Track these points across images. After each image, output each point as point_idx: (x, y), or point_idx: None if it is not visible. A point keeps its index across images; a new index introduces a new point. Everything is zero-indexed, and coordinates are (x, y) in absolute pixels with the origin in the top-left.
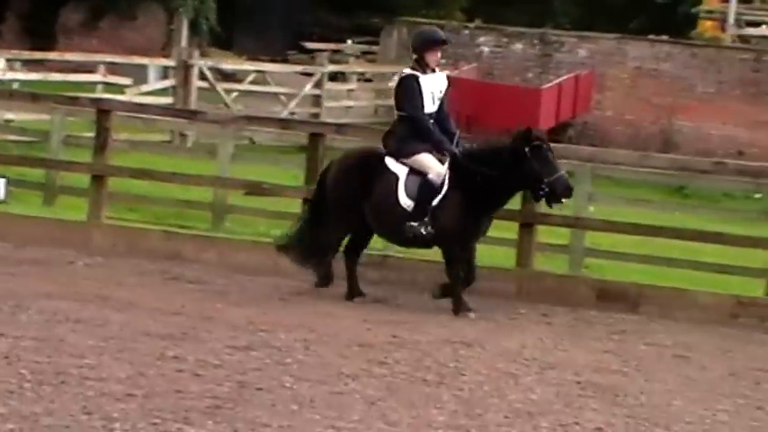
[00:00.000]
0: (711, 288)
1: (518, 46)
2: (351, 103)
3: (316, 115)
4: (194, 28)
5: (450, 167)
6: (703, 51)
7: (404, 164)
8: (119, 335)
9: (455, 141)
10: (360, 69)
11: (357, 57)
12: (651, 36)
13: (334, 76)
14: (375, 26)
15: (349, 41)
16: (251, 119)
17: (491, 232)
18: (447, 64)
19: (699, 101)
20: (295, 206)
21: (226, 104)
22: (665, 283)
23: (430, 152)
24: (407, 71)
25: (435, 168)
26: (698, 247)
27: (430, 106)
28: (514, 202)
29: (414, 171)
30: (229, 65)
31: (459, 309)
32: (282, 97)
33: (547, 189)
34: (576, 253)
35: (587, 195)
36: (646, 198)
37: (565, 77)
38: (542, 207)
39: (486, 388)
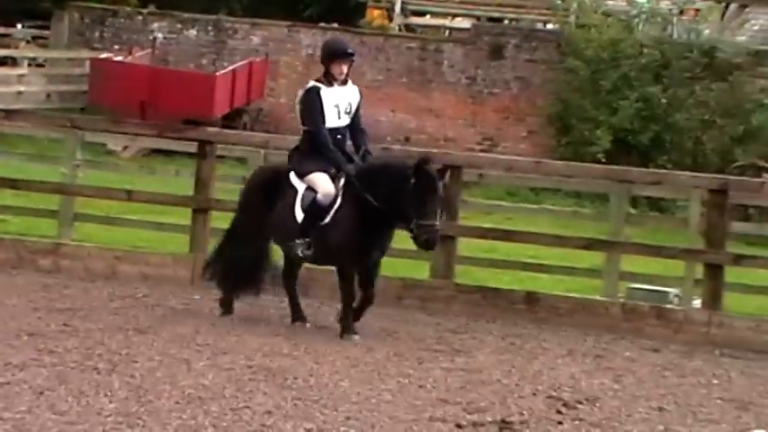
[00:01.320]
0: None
1: (192, 32)
2: (21, 88)
3: None
4: None
5: (345, 184)
6: (372, 39)
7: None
8: None
9: (361, 156)
10: (31, 54)
11: (27, 41)
12: (322, 24)
13: (3, 61)
14: (45, 10)
15: (19, 25)
16: None
17: (160, 217)
18: (120, 50)
19: (368, 88)
20: None
21: None
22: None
23: (326, 170)
24: (311, 84)
25: (324, 188)
26: None
27: (334, 120)
28: (187, 188)
29: (310, 188)
30: None
31: (345, 330)
32: None
33: (414, 231)
34: None
35: None
36: None
37: (239, 64)
38: (218, 193)
39: (159, 374)
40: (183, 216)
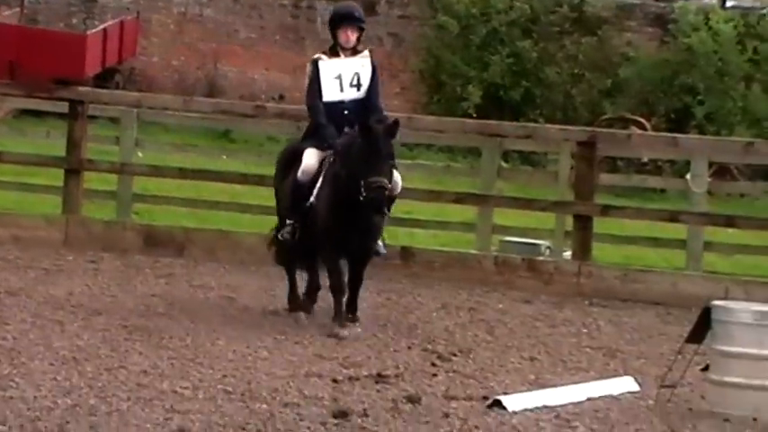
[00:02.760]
0: (255, 229)
1: None
2: None
3: None
4: None
5: (331, 162)
6: None
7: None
8: None
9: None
10: None
11: None
12: None
13: None
14: None
15: None
16: None
17: (31, 178)
18: None
19: (242, 46)
20: None
21: None
22: (211, 227)
23: (318, 146)
24: (315, 55)
25: (305, 164)
26: (242, 190)
27: (335, 93)
28: (59, 149)
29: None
30: None
31: (335, 320)
32: None
33: (363, 193)
34: (123, 199)
35: (134, 141)
36: (193, 143)
37: (110, 23)
38: (90, 154)
39: (32, 336)
40: (55, 178)
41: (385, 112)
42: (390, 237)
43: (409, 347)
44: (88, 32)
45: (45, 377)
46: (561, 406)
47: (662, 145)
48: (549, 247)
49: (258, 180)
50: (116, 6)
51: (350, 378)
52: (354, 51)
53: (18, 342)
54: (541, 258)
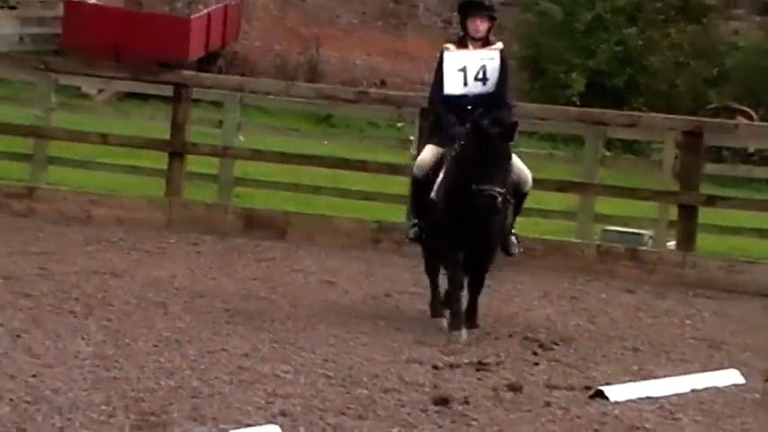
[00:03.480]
0: (356, 214)
1: None
2: None
3: None
4: None
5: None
6: None
7: None
8: None
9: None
10: None
11: None
12: None
13: None
14: None
15: None
16: None
17: (135, 160)
18: None
19: (343, 31)
20: None
21: None
22: (311, 211)
23: (439, 142)
24: (445, 45)
25: (419, 160)
26: (343, 175)
27: (458, 86)
28: (162, 131)
29: None
30: None
31: (451, 320)
32: None
33: (473, 199)
34: (225, 182)
35: (236, 125)
36: (294, 127)
37: (213, 7)
38: (193, 137)
39: (135, 318)
40: (159, 160)
41: (514, 108)
42: None
43: (510, 335)
44: (192, 16)
45: (148, 358)
46: (664, 397)
47: None
48: (651, 237)
49: (359, 165)
50: None
51: (450, 365)
52: (486, 42)
53: (122, 323)
54: (644, 248)
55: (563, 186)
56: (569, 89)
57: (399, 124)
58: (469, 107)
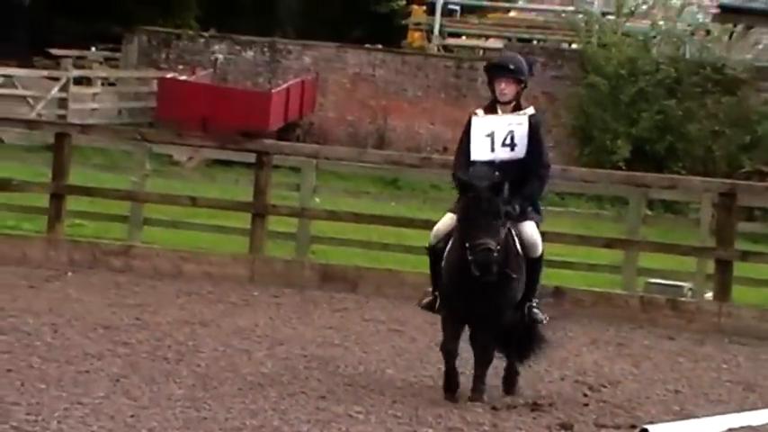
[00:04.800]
0: (420, 269)
1: (249, 53)
2: (95, 105)
3: (62, 117)
4: None
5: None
6: (412, 59)
7: None
8: None
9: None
10: (103, 74)
11: (100, 62)
12: (367, 45)
13: (79, 81)
14: (116, 34)
15: (93, 48)
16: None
17: (221, 221)
18: (184, 70)
19: (409, 103)
20: (41, 201)
21: None
22: (380, 266)
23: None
24: (474, 110)
25: (435, 229)
26: (409, 233)
27: (485, 152)
28: (246, 194)
29: None
30: None
31: (476, 392)
32: (30, 100)
33: (469, 255)
34: (302, 240)
35: (313, 188)
36: (364, 190)
37: (292, 82)
38: (274, 199)
39: (222, 363)
40: (242, 220)
41: (551, 170)
42: (543, 277)
43: (562, 378)
44: (273, 90)
45: (234, 400)
46: None
47: None
48: (690, 289)
49: (423, 224)
50: (297, 67)
51: (508, 406)
52: (516, 107)
53: (210, 368)
54: (684, 299)
55: (609, 243)
56: (615, 155)
57: None
58: (497, 173)
